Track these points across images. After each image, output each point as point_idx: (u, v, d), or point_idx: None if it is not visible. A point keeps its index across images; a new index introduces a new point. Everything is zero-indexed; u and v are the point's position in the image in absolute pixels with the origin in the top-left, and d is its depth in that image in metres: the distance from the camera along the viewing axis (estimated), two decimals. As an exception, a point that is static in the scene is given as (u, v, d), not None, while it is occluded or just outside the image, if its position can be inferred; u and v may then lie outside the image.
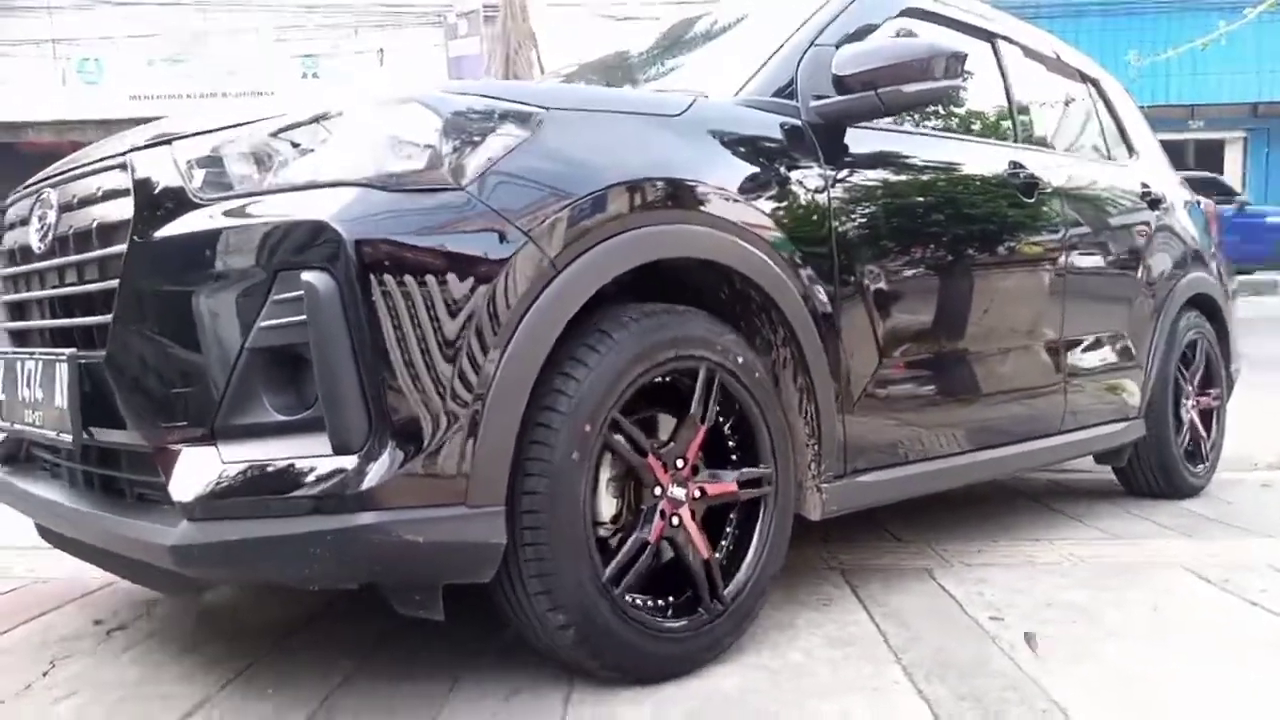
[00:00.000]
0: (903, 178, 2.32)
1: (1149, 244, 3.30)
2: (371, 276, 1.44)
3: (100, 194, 1.72)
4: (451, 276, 1.49)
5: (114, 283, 1.62)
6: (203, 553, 1.50)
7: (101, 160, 1.75)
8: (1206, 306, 3.64)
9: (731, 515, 1.94)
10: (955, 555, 2.60)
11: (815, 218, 2.06)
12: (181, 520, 1.51)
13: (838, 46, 2.29)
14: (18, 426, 1.91)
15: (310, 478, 1.45)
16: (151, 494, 1.69)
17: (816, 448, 2.07)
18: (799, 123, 2.13)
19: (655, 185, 1.76)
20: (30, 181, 2.04)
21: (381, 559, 1.47)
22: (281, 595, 2.27)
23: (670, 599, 1.83)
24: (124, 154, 1.68)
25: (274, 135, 1.58)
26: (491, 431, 1.50)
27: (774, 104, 2.13)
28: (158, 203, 1.60)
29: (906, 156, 2.35)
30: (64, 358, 1.70)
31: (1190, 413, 3.53)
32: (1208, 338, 3.63)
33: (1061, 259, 2.81)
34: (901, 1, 2.61)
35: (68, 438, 1.71)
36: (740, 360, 1.89)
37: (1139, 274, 3.23)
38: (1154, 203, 3.38)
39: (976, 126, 2.80)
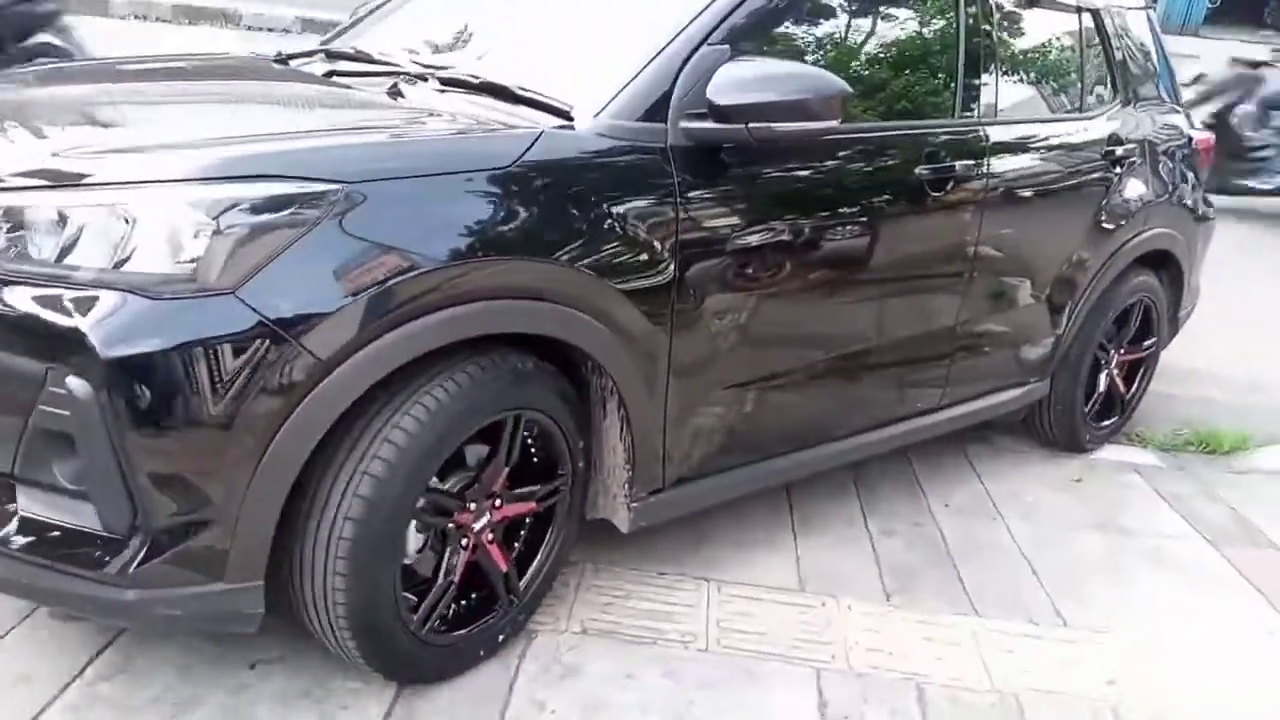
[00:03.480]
0: (768, 196, 2.23)
1: (1098, 207, 3.16)
2: (129, 385, 1.53)
3: None
4: (211, 382, 1.55)
5: None
6: (4, 583, 1.71)
7: None
8: (1160, 260, 3.53)
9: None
10: (587, 605, 2.27)
11: (658, 260, 2.03)
12: None
13: (734, 45, 2.15)
14: None
15: (86, 549, 1.63)
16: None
17: (630, 470, 2.19)
18: (661, 147, 2.05)
19: (455, 272, 1.75)
20: None
21: (147, 622, 1.69)
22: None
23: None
24: None
25: (67, 209, 1.61)
26: (249, 521, 1.64)
27: (636, 130, 2.03)
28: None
29: (780, 171, 2.25)
30: None
31: (1111, 370, 3.54)
32: (1152, 295, 3.55)
33: (969, 248, 2.73)
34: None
35: None
36: (556, 407, 2.03)
37: (1075, 241, 3.13)
38: (1117, 160, 3.19)
39: (903, 104, 2.63)
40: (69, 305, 1.55)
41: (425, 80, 2.26)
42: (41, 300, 1.57)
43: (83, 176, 1.68)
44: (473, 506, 1.99)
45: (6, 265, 1.61)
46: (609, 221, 1.96)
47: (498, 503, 2.03)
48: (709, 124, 2.07)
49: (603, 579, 2.39)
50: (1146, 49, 3.47)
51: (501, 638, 2.08)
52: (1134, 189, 3.28)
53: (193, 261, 1.56)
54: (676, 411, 2.20)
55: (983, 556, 2.74)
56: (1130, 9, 3.42)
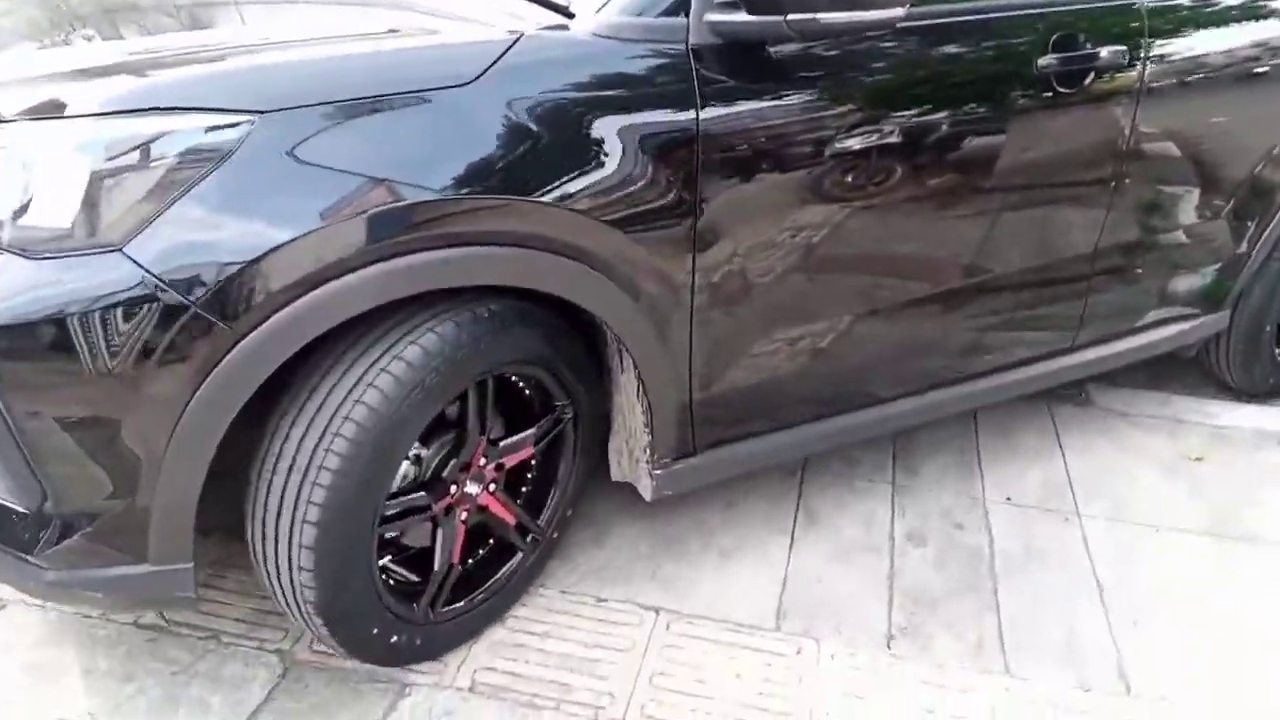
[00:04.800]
0: (824, 103, 1.78)
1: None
2: (6, 354, 1.35)
3: None
4: (99, 352, 1.35)
5: None
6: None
7: None
8: None
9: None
10: (491, 646, 1.81)
11: (673, 190, 1.67)
12: None
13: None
14: None
15: (14, 524, 1.50)
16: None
17: (650, 437, 1.89)
18: (680, 48, 1.66)
19: (394, 216, 1.46)
20: None
21: (73, 602, 1.56)
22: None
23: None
24: None
25: None
26: (165, 502, 1.46)
27: (647, 28, 1.65)
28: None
29: (839, 71, 1.80)
30: None
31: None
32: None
33: (1117, 154, 2.19)
34: None
35: None
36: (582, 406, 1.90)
37: (1268, 142, 2.48)
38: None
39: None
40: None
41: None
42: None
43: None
44: (482, 461, 1.79)
45: None
46: (605, 144, 1.61)
47: (492, 486, 1.84)
48: (739, 15, 1.65)
49: (524, 607, 1.91)
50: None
51: (394, 638, 1.73)
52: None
53: (77, 213, 1.35)
54: (705, 367, 1.86)
55: (1038, 578, 2.05)
56: None
